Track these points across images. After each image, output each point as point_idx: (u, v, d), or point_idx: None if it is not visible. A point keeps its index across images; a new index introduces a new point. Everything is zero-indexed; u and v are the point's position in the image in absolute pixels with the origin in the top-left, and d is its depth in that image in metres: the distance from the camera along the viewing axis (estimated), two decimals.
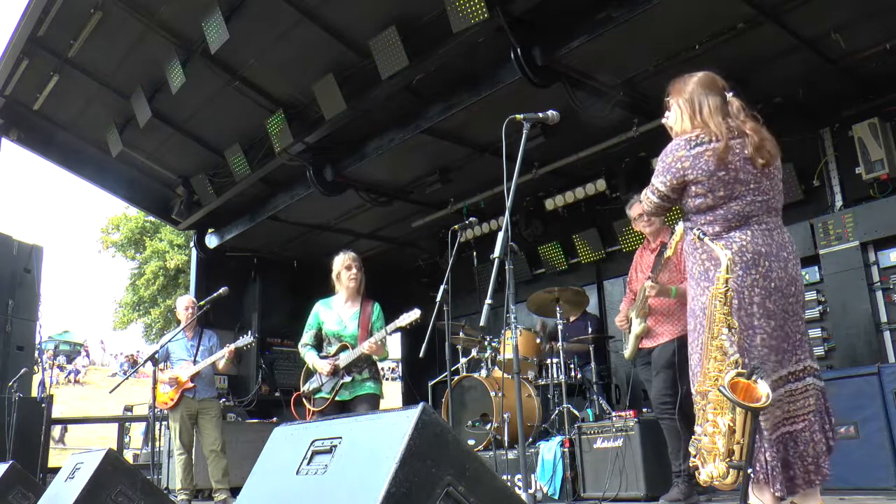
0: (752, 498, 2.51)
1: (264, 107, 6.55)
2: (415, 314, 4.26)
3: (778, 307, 2.59)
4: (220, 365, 5.85)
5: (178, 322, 6.16)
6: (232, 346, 5.72)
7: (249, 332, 5.82)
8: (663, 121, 2.90)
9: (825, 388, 2.68)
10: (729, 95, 2.74)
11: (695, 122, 2.70)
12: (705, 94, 2.71)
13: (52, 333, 31.03)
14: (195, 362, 5.84)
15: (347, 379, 4.40)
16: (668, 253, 3.59)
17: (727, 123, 2.64)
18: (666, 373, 4.19)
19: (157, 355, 5.68)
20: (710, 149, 2.60)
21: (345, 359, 4.40)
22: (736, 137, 2.62)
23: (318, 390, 4.50)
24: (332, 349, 4.49)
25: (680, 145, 2.66)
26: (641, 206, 4.37)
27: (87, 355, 31.50)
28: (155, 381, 5.47)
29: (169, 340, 6.04)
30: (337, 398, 4.43)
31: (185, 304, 6.15)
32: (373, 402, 4.44)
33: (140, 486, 3.53)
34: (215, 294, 5.64)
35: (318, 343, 4.63)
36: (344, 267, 4.57)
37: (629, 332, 4.48)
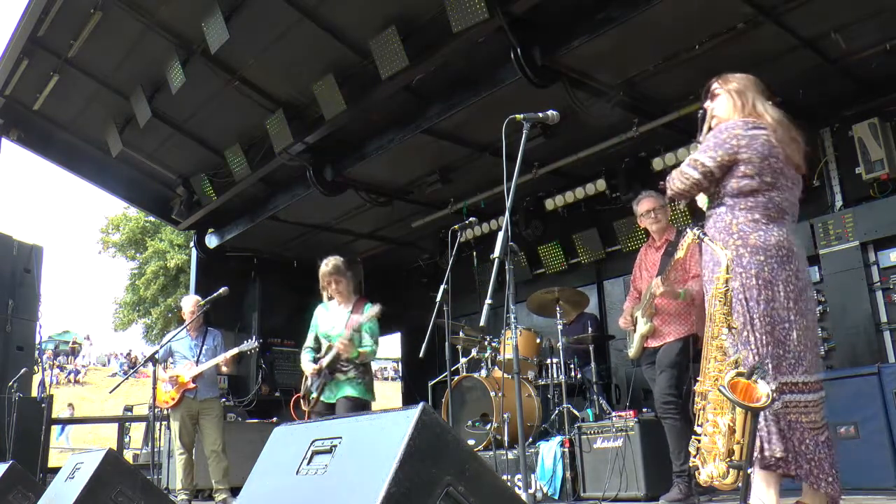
0: (752, 497, 2.51)
1: (264, 107, 6.55)
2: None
3: (806, 308, 2.61)
4: (223, 366, 5.86)
5: (182, 321, 6.16)
6: (236, 350, 5.73)
7: (254, 337, 5.84)
8: (708, 106, 2.87)
9: None
10: (769, 104, 2.78)
11: (746, 111, 2.72)
12: (755, 92, 2.76)
13: (52, 333, 31.05)
14: (198, 362, 5.85)
15: (331, 379, 4.46)
16: (680, 255, 3.59)
17: (782, 122, 2.68)
18: (670, 372, 4.18)
19: (157, 355, 5.68)
20: (766, 134, 2.63)
21: (326, 359, 4.46)
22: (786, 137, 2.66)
23: (311, 391, 4.58)
24: (324, 350, 4.57)
25: (738, 125, 2.68)
26: (653, 199, 4.38)
27: (79, 353, 31.53)
28: (155, 381, 5.47)
29: (171, 339, 6.04)
30: (322, 398, 4.49)
31: (190, 306, 6.11)
32: (349, 406, 4.41)
33: (140, 486, 3.53)
34: (215, 294, 5.66)
35: (319, 346, 4.68)
36: (326, 283, 4.63)
37: (634, 331, 4.47)
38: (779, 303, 2.55)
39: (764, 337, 2.55)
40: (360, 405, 4.47)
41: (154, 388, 5.44)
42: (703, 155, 2.71)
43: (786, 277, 2.57)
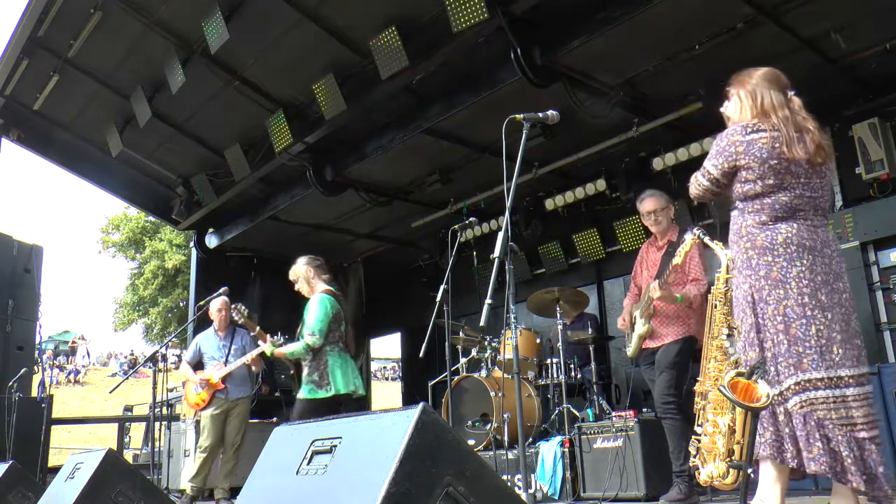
0: (752, 498, 2.50)
1: (264, 107, 6.55)
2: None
3: (832, 301, 2.58)
4: (252, 364, 5.91)
5: (210, 322, 6.18)
6: (261, 349, 5.73)
7: (279, 333, 5.83)
8: (722, 109, 2.92)
9: None
10: (791, 94, 2.78)
11: (754, 112, 2.74)
12: (768, 87, 2.77)
13: (52, 333, 31.07)
14: (226, 362, 5.88)
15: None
16: (677, 261, 3.60)
17: (789, 118, 2.68)
18: (669, 372, 4.18)
19: (188, 357, 5.76)
20: (765, 136, 2.64)
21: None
22: (795, 132, 2.65)
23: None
24: None
25: (736, 130, 2.70)
26: (655, 200, 4.37)
27: (75, 352, 31.53)
28: (155, 382, 5.46)
29: (200, 341, 6.08)
30: None
31: (217, 305, 6.11)
32: (295, 407, 4.60)
33: (140, 486, 3.53)
34: (215, 294, 5.69)
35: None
36: None
37: (633, 331, 4.47)
38: (792, 300, 2.56)
39: (777, 336, 2.55)
40: (302, 407, 4.55)
41: (154, 389, 5.43)
42: (708, 163, 2.78)
43: (797, 274, 2.57)
